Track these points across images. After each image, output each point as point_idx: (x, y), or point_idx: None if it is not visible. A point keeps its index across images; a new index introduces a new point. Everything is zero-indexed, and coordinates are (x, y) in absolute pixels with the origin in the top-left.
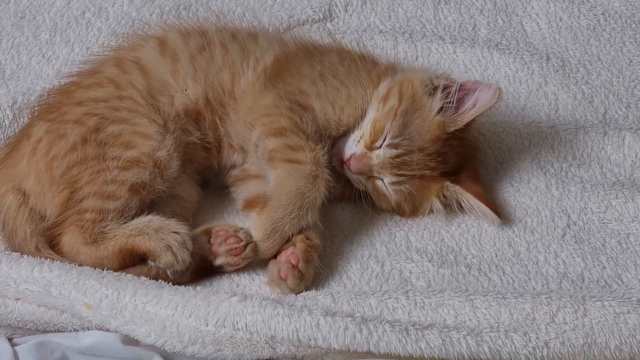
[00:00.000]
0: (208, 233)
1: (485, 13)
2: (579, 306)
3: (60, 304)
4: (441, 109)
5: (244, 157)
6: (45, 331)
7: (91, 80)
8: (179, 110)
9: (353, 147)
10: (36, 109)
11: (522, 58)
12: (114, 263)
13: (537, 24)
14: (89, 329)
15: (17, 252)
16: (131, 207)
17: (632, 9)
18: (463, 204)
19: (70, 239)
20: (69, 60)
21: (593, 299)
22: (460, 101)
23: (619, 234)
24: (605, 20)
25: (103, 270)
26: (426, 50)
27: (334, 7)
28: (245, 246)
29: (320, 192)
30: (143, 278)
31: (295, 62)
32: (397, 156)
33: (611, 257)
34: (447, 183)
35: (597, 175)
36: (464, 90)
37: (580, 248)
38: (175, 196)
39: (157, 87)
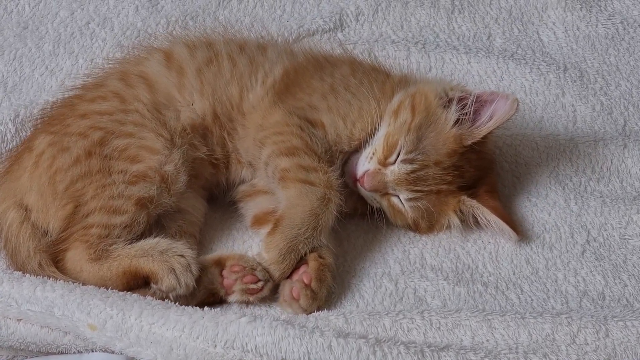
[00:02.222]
0: (220, 265)
1: (500, 22)
2: (600, 326)
3: (63, 325)
4: (457, 121)
5: (253, 173)
6: (48, 353)
7: (95, 93)
8: (186, 125)
9: (366, 163)
10: (39, 121)
11: (538, 68)
12: (117, 284)
13: (554, 33)
14: (93, 351)
15: (20, 269)
16: (139, 221)
17: None
18: (479, 219)
19: (75, 255)
20: (72, 72)
21: (615, 319)
22: (476, 113)
23: None
24: (624, 29)
25: (108, 289)
26: (440, 60)
27: (344, 17)
28: (263, 286)
29: (332, 215)
30: (149, 298)
31: (305, 75)
32: (413, 171)
33: (633, 275)
34: (464, 197)
35: (617, 189)
36: (480, 102)
37: (600, 265)
38: (181, 211)
39: (163, 102)
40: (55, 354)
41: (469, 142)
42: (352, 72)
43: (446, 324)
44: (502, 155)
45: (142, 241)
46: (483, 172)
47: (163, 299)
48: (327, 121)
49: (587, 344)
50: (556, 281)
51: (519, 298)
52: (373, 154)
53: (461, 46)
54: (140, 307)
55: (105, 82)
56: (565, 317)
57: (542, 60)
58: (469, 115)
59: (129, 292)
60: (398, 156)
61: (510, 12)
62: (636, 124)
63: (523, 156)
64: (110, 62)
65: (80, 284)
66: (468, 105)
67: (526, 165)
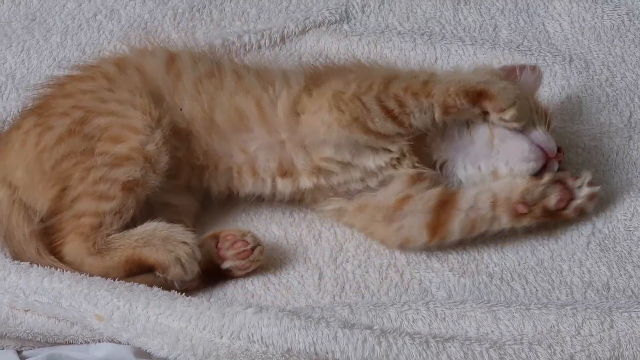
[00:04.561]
0: (216, 238)
1: (506, 13)
2: (605, 317)
3: (70, 316)
4: None
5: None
6: (55, 343)
7: (85, 73)
8: (166, 124)
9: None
10: (30, 102)
11: (544, 60)
12: (119, 272)
13: (560, 24)
14: (100, 341)
15: (16, 255)
16: (128, 207)
17: None
18: None
19: (73, 249)
20: (80, 64)
21: (620, 310)
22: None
23: None
24: (630, 20)
25: (114, 280)
26: (446, 52)
27: (350, 8)
28: (253, 249)
29: None
30: (155, 288)
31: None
32: None
33: (638, 266)
34: None
35: (623, 181)
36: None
37: (605, 256)
38: (170, 205)
39: (152, 94)
40: (62, 344)
41: None
42: None
43: (451, 315)
44: None
45: (139, 227)
46: None
47: (165, 284)
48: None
49: (592, 335)
50: (561, 272)
51: (524, 289)
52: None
53: (467, 37)
54: (147, 298)
55: (99, 64)
56: (570, 309)
57: (548, 52)
58: None
59: (135, 283)
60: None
61: (516, 3)
62: None
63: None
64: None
65: (87, 275)
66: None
67: None
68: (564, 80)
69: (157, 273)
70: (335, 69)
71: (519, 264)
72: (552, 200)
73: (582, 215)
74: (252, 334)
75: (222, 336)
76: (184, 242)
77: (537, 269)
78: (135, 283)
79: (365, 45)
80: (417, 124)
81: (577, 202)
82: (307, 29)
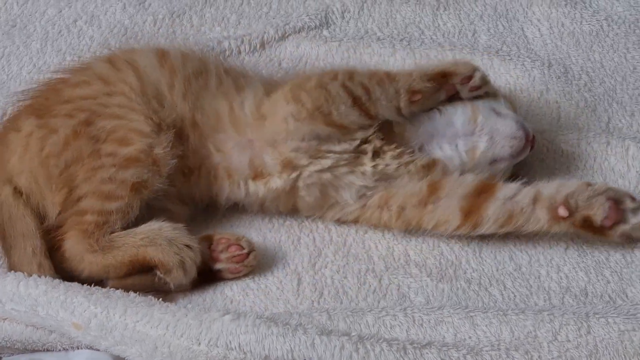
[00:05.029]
0: (209, 240)
1: (485, 19)
2: (582, 323)
3: (48, 324)
4: None
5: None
6: (34, 350)
7: (79, 77)
8: (169, 122)
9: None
10: (21, 102)
11: (523, 65)
12: (121, 271)
13: (539, 29)
14: (78, 348)
15: (14, 259)
16: (133, 207)
17: (636, 14)
18: None
19: (74, 245)
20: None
21: (597, 316)
22: None
23: (623, 247)
24: (609, 25)
25: (91, 286)
26: (425, 57)
27: (330, 14)
28: (248, 254)
29: None
30: (132, 295)
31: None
32: None
33: (615, 271)
34: None
35: None
36: None
37: (583, 261)
38: (165, 210)
39: (151, 94)
40: (41, 351)
41: None
42: None
43: (429, 321)
44: None
45: (143, 226)
46: None
47: (160, 284)
48: None
49: (569, 340)
50: (539, 277)
51: (502, 294)
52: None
53: (446, 43)
54: (124, 304)
55: (91, 65)
56: (547, 314)
57: (527, 57)
58: None
59: (112, 289)
60: None
61: (495, 8)
62: (620, 121)
63: None
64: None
65: (63, 282)
66: None
67: None
68: (542, 85)
69: (158, 273)
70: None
71: (497, 270)
72: (598, 216)
73: (627, 241)
74: (230, 341)
75: (199, 343)
76: (188, 246)
77: (515, 275)
78: (112, 289)
79: (344, 50)
80: (384, 112)
81: (625, 226)
82: (286, 34)
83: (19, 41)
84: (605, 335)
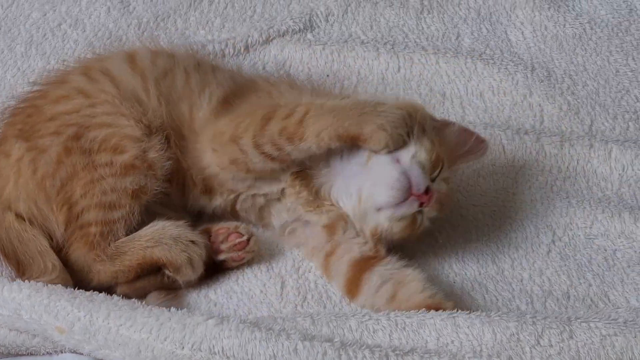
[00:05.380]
0: (207, 232)
1: (469, 22)
2: (564, 327)
3: (32, 328)
4: None
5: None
6: (17, 354)
7: (58, 92)
8: (157, 125)
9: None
10: (3, 122)
11: (506, 68)
12: (130, 275)
13: (522, 33)
14: (62, 352)
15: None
16: (135, 213)
17: (619, 17)
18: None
19: (80, 257)
20: (44, 73)
21: (579, 320)
22: None
23: (606, 250)
24: (592, 29)
25: (75, 289)
26: (409, 60)
27: (314, 18)
28: (248, 240)
29: None
30: (116, 298)
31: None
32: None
33: (597, 274)
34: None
35: (583, 189)
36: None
37: (565, 265)
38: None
39: (133, 99)
40: (24, 355)
41: None
42: None
43: (411, 324)
44: None
45: (147, 228)
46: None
47: (170, 283)
48: None
49: (552, 345)
50: (521, 281)
51: (484, 298)
52: (423, 167)
53: (430, 46)
54: (108, 308)
55: (67, 79)
56: (530, 317)
57: (510, 60)
58: None
59: (96, 292)
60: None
61: (479, 12)
62: (602, 123)
63: (489, 156)
64: (75, 61)
65: (47, 285)
66: None
67: (492, 165)
68: (525, 88)
69: (167, 272)
70: (247, 89)
71: (480, 274)
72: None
73: None
74: (213, 346)
75: (183, 347)
76: (193, 242)
77: (497, 278)
78: (96, 292)
79: (328, 54)
80: (298, 158)
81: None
82: (271, 38)
83: (3, 44)
84: (587, 340)
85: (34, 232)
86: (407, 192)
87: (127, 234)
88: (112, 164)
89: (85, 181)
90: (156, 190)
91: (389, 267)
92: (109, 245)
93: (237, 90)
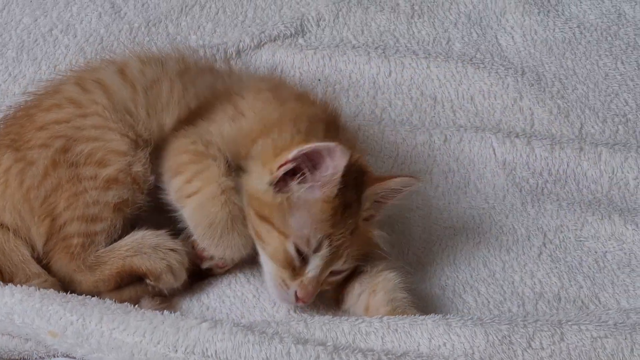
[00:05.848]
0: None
1: (459, 27)
2: (555, 330)
3: (24, 333)
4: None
5: None
6: (10, 359)
7: (50, 101)
8: (146, 137)
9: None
10: None
11: (496, 72)
12: (110, 285)
13: (512, 37)
14: (55, 356)
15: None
16: (117, 226)
17: (608, 22)
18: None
19: (60, 268)
20: (35, 79)
21: (570, 323)
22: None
23: (596, 252)
24: (581, 33)
25: (67, 293)
26: (399, 65)
27: (305, 22)
28: None
29: None
30: (108, 302)
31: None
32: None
33: (588, 276)
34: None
35: (574, 192)
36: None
37: (556, 267)
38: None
39: (124, 111)
40: (17, 359)
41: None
42: None
43: (403, 326)
44: (459, 159)
45: (127, 238)
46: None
47: (154, 292)
48: None
49: (543, 348)
50: (513, 283)
51: (476, 301)
52: (283, 280)
53: (421, 51)
54: (100, 312)
55: (60, 89)
56: (521, 320)
57: (501, 64)
58: (308, 172)
59: (88, 296)
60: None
61: (469, 16)
62: (592, 127)
63: (480, 159)
64: (69, 71)
65: (39, 290)
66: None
67: (484, 169)
68: (516, 92)
69: (148, 281)
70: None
71: (471, 276)
72: None
73: None
74: (207, 349)
75: (176, 350)
76: (173, 250)
77: (489, 281)
78: (88, 297)
79: (320, 58)
80: None
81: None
82: (262, 42)
83: None
84: (578, 342)
85: (17, 242)
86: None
87: (109, 244)
88: (96, 178)
89: (69, 194)
90: (139, 203)
91: (366, 276)
92: (89, 256)
93: (207, 103)
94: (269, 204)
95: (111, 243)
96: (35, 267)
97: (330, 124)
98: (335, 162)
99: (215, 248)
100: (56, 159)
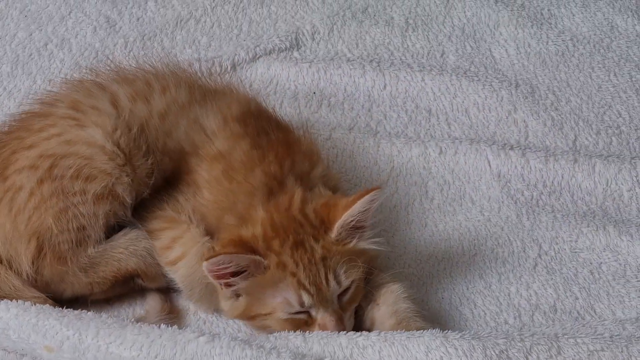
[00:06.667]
0: None
1: (453, 40)
2: (552, 343)
3: (20, 348)
4: None
5: None
6: None
7: (42, 123)
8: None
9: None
10: None
11: (491, 85)
12: (104, 286)
13: (506, 50)
14: None
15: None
16: (103, 231)
17: (601, 34)
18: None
19: (51, 270)
20: (30, 93)
21: (566, 336)
22: None
23: (591, 264)
24: (574, 45)
25: (63, 308)
26: (394, 78)
27: (300, 36)
28: None
29: None
30: (105, 316)
31: None
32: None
33: (583, 287)
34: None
35: (568, 203)
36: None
37: (552, 279)
38: None
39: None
40: None
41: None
42: None
43: (400, 338)
44: (454, 171)
45: (120, 238)
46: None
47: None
48: None
49: None
50: (509, 295)
51: (472, 312)
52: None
53: (415, 64)
54: (97, 326)
55: (53, 111)
56: (518, 334)
57: (495, 77)
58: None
59: (84, 311)
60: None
61: (463, 29)
62: (586, 138)
63: (476, 171)
64: (62, 86)
65: (35, 304)
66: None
67: (479, 181)
68: (510, 105)
69: (140, 281)
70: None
71: (467, 288)
72: None
73: None
74: None
75: None
76: None
77: (485, 293)
78: (84, 310)
79: (315, 72)
80: None
81: None
82: (257, 56)
83: None
84: (575, 355)
85: (7, 274)
86: None
87: (99, 243)
88: (84, 192)
89: (55, 210)
90: (124, 215)
91: (369, 290)
92: (81, 256)
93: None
94: (241, 306)
95: (101, 240)
96: (30, 292)
97: (279, 179)
98: (236, 261)
99: (216, 306)
100: (42, 177)
